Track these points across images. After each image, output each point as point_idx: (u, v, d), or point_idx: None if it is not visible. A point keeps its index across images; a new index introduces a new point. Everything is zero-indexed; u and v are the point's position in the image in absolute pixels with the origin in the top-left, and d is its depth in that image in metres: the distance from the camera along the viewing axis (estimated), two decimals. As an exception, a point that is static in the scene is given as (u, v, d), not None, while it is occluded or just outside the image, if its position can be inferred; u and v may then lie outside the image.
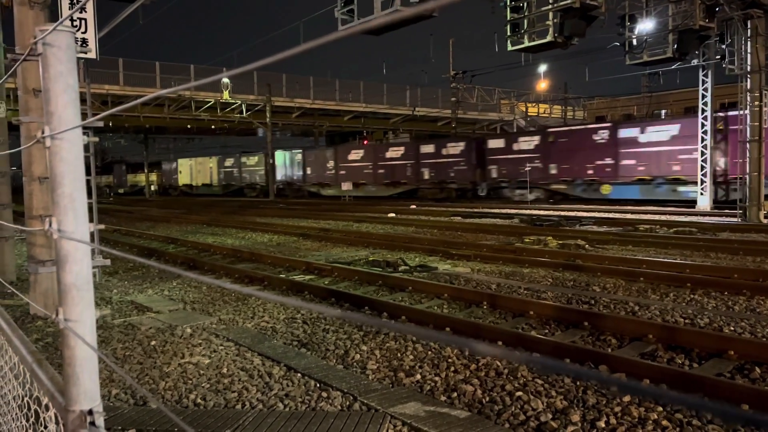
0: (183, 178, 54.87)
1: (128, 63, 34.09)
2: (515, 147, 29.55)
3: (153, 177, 59.60)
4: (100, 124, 8.39)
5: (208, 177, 51.08)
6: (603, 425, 3.81)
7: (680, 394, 0.57)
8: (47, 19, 7.32)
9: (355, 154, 38.51)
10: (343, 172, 38.77)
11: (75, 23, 7.65)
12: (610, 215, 19.18)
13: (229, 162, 48.82)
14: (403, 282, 8.44)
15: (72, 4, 7.49)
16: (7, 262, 9.54)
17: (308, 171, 41.78)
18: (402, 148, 36.00)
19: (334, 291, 8.01)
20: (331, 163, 39.67)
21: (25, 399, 1.58)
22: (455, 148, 32.32)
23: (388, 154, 36.35)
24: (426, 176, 33.79)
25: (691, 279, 8.12)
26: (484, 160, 30.85)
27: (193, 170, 53.51)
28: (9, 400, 1.90)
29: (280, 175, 43.31)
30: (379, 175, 36.79)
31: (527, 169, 28.26)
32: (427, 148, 34.05)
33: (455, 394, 4.38)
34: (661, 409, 3.98)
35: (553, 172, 27.80)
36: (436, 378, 4.71)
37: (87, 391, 1.04)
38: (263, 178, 43.94)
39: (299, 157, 42.44)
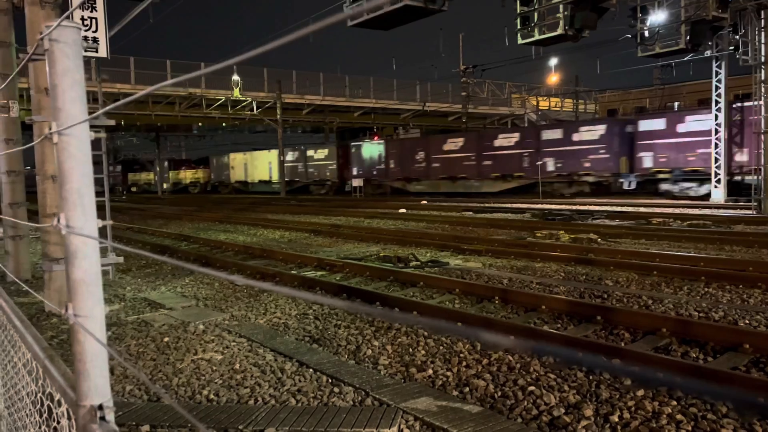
0: (236, 174, 49.82)
1: (139, 61, 34.32)
2: (681, 128, 23.03)
3: (200, 173, 55.72)
4: (112, 122, 8.43)
5: (266, 173, 46.26)
6: (616, 419, 3.78)
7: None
8: (58, 18, 7.37)
9: (453, 144, 32.58)
10: (436, 164, 33.31)
11: (86, 22, 7.70)
12: (623, 209, 19.04)
13: (291, 156, 44.02)
14: (415, 277, 8.43)
15: (83, 5, 7.54)
16: (22, 260, 9.64)
17: (391, 164, 36.11)
18: (516, 134, 30.14)
19: (346, 287, 8.02)
20: (421, 155, 34.24)
21: (38, 395, 1.60)
22: (592, 132, 26.18)
23: (498, 142, 30.20)
24: (550, 167, 27.62)
25: (706, 272, 8.04)
26: (631, 146, 24.85)
27: (248, 165, 48.48)
28: (23, 396, 1.91)
29: (354, 170, 38.30)
30: (484, 167, 30.73)
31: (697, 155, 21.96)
32: (552, 134, 28.05)
33: (467, 389, 4.37)
34: (675, 403, 3.95)
35: (743, 158, 21.28)
36: (448, 373, 4.70)
37: (97, 386, 1.04)
38: (335, 173, 40.07)
39: (380, 148, 36.93)
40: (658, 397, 4.05)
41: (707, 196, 21.76)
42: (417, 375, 4.69)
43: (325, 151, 41.41)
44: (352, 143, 39.60)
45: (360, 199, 33.67)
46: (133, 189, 64.32)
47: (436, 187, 33.38)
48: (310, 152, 42.60)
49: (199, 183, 55.97)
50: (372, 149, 37.65)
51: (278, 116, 39.03)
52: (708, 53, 20.54)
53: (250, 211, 25.21)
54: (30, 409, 1.78)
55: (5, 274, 9.05)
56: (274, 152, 44.31)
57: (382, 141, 37.93)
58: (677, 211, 17.84)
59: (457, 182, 32.17)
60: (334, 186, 40.68)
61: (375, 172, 37.31)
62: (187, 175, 57.90)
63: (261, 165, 46.82)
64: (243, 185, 49.32)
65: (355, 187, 37.72)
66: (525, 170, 28.71)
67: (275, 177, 44.58)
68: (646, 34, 19.71)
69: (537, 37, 17.57)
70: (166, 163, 60.23)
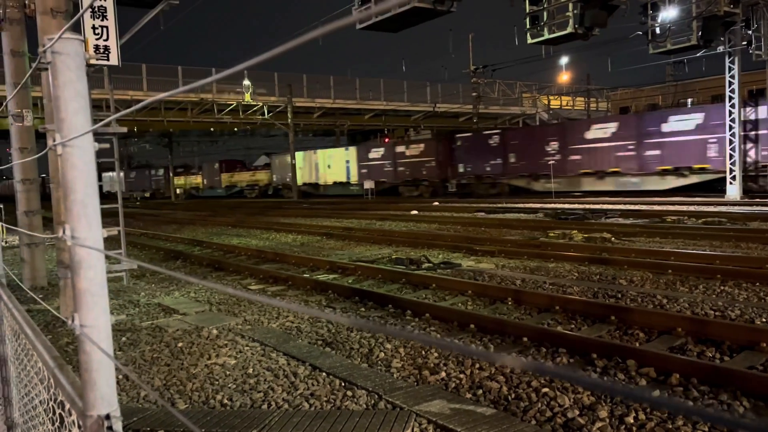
0: (303, 176, 44.19)
1: (151, 68, 34.55)
2: None
3: (259, 176, 49.99)
4: (123, 129, 8.50)
5: (343, 173, 40.71)
6: (632, 421, 3.75)
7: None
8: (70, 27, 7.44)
9: (601, 129, 26.04)
10: (575, 156, 26.92)
11: (97, 31, 7.77)
12: (637, 207, 18.89)
13: (377, 153, 38.07)
14: (427, 279, 8.41)
15: (93, 13, 7.61)
16: (38, 267, 9.74)
17: (511, 158, 29.84)
18: (699, 114, 22.68)
19: (358, 290, 8.02)
20: (553, 145, 27.89)
21: (50, 403, 1.61)
22: None
23: (669, 126, 23.32)
24: (754, 155, 21.22)
25: (721, 270, 7.96)
26: None
27: (319, 165, 43.04)
28: (36, 405, 1.93)
29: (461, 166, 32.51)
30: (648, 158, 24.09)
31: None
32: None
33: (480, 392, 4.35)
34: (691, 403, 3.90)
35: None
36: (461, 375, 4.68)
37: (104, 395, 1.05)
38: (434, 171, 34.00)
39: (495, 139, 30.86)
40: (675, 398, 4.01)
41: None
42: (430, 378, 4.67)
43: (420, 146, 35.16)
44: (458, 135, 33.67)
45: (371, 201, 33.51)
46: (180, 194, 58.89)
47: (574, 185, 27.32)
48: (400, 148, 36.58)
49: (258, 186, 50.00)
50: (485, 140, 31.50)
51: (289, 120, 39.15)
52: (720, 49, 20.35)
53: (263, 215, 25.30)
54: (43, 418, 1.79)
55: (21, 281, 9.16)
56: (353, 150, 39.90)
57: (498, 130, 32.07)
58: (692, 208, 17.66)
59: (606, 179, 25.98)
60: (432, 186, 34.44)
61: (488, 168, 31.00)
62: (243, 178, 52.08)
63: (336, 164, 41.25)
64: (312, 188, 43.79)
65: (462, 185, 31.95)
66: (711, 161, 22.04)
67: (354, 178, 39.23)
68: (658, 30, 19.57)
69: (546, 36, 17.50)
70: (216, 165, 55.00)
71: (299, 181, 43.24)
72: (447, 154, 33.49)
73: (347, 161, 40.27)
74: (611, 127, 25.88)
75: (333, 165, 41.83)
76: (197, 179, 58.09)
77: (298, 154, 43.73)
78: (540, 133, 29.40)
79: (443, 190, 33.56)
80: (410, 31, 15.60)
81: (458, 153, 32.85)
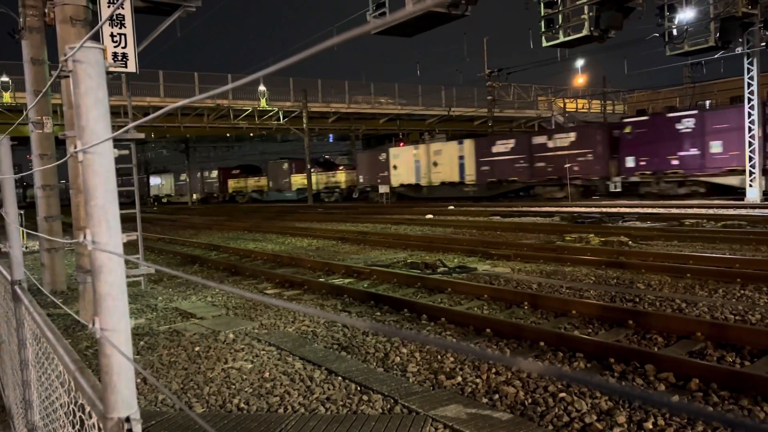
0: (399, 176, 37.68)
1: (168, 75, 34.96)
2: None
3: (341, 177, 43.76)
4: (141, 135, 8.62)
5: (455, 171, 33.88)
6: (651, 426, 3.71)
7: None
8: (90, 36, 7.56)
9: None
10: None
11: (115, 39, 7.88)
12: (654, 210, 18.71)
13: (504, 146, 31.22)
14: (442, 283, 8.40)
15: (111, 21, 7.71)
16: (58, 272, 9.87)
17: (714, 148, 22.50)
18: None
19: (373, 294, 8.02)
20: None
21: (71, 406, 1.63)
22: None
23: None
24: None
25: (741, 274, 7.85)
26: None
27: (422, 163, 36.13)
28: (57, 408, 1.95)
29: (631, 159, 25.36)
30: None
31: None
32: None
33: (497, 396, 4.33)
34: (711, 409, 3.86)
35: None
36: (477, 380, 4.66)
37: (124, 398, 1.06)
38: (590, 166, 26.93)
39: (688, 123, 23.31)
40: (694, 403, 3.96)
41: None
42: (446, 382, 4.66)
43: (569, 136, 28.17)
44: (627, 120, 26.77)
45: (387, 205, 33.34)
46: (239, 200, 52.90)
47: None
48: (539, 139, 29.71)
49: (339, 189, 43.46)
50: (670, 125, 24.02)
51: (305, 125, 39.35)
52: (739, 50, 20.12)
53: (278, 219, 25.42)
54: (63, 421, 1.81)
55: (42, 285, 9.28)
56: (470, 143, 33.20)
57: (694, 111, 24.12)
58: (711, 211, 17.45)
59: None
60: (587, 185, 27.50)
61: (676, 162, 23.98)
62: (319, 179, 45.43)
63: (445, 161, 34.40)
64: (413, 190, 37.04)
65: (631, 183, 25.51)
66: None
67: (471, 177, 32.83)
68: (675, 32, 19.40)
69: (562, 39, 17.43)
70: (285, 165, 48.46)
71: (394, 182, 37.81)
72: (608, 144, 26.59)
73: (461, 157, 33.38)
74: None
75: (441, 162, 34.90)
76: (261, 181, 51.30)
77: (394, 150, 38.56)
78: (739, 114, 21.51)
79: (603, 190, 26.65)
80: (425, 35, 15.61)
81: (626, 143, 25.63)
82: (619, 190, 25.71)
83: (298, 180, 46.93)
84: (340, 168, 45.22)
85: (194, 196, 58.45)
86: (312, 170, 44.24)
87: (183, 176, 60.48)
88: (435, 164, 35.25)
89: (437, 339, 0.67)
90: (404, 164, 37.43)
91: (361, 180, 40.89)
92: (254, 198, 51.79)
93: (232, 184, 55.27)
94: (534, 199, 26.29)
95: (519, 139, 31.32)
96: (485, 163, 32.21)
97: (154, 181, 67.61)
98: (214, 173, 57.53)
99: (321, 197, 44.71)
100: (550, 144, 28.96)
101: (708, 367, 4.51)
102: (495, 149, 31.69)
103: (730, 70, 29.53)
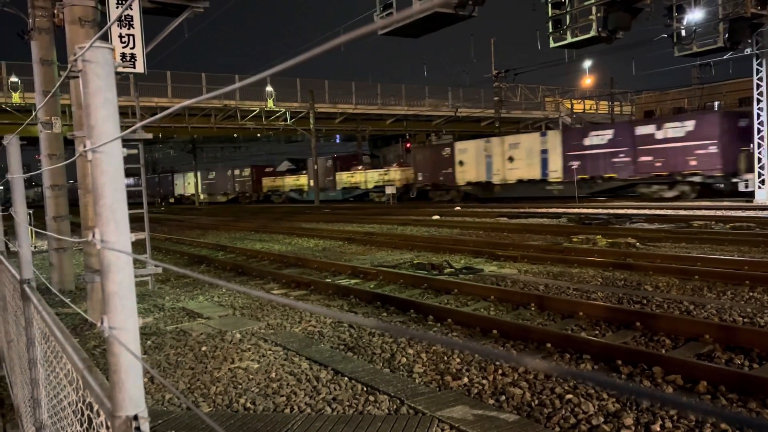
0: (466, 173, 33.12)
1: (176, 75, 35.12)
2: None
3: (395, 174, 39.06)
4: (149, 135, 8.65)
5: (536, 167, 29.51)
6: (658, 429, 3.69)
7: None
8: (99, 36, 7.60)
9: None
10: None
11: (123, 39, 7.91)
12: (662, 212, 18.63)
13: (599, 138, 26.71)
14: (449, 284, 8.38)
15: (120, 22, 7.75)
16: (66, 272, 9.92)
17: None
18: None
19: (380, 294, 8.02)
20: None
21: (79, 405, 1.63)
22: None
23: None
24: None
25: (750, 276, 7.80)
26: None
27: (494, 158, 31.64)
28: (65, 406, 1.96)
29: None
30: None
31: None
32: None
33: (503, 397, 4.32)
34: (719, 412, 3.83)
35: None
36: (484, 381, 4.65)
37: (132, 397, 1.07)
38: (712, 160, 22.57)
39: None
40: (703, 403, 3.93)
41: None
42: (452, 383, 4.66)
43: (686, 125, 23.66)
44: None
45: (393, 206, 33.21)
46: (275, 199, 48.63)
47: None
48: (644, 128, 25.21)
49: (392, 186, 37.85)
50: None
51: (311, 126, 39.41)
52: (748, 51, 20.01)
53: (285, 220, 25.47)
54: (71, 419, 1.82)
55: (50, 285, 9.33)
56: (555, 135, 29.15)
57: None
58: (719, 213, 17.36)
59: None
60: (708, 183, 23.29)
61: None
62: (369, 178, 40.71)
63: (524, 155, 30.13)
64: (482, 189, 32.39)
65: None
66: None
67: (556, 174, 28.59)
68: (683, 33, 19.31)
69: (569, 39, 17.38)
70: (329, 162, 44.52)
71: (460, 181, 33.45)
72: (733, 134, 22.53)
73: (543, 151, 29.10)
74: None
75: (518, 157, 30.33)
76: (300, 180, 46.82)
77: (461, 144, 33.96)
78: None
79: (728, 188, 22.51)
80: (432, 36, 15.61)
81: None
82: (751, 189, 21.40)
83: (343, 178, 42.92)
84: (394, 165, 40.57)
85: (219, 196, 56.02)
86: (359, 168, 41.61)
87: (212, 174, 58.13)
88: (511, 159, 30.64)
89: (444, 338, 0.67)
90: (472, 160, 32.71)
91: (420, 178, 36.22)
92: (292, 198, 47.67)
93: (267, 182, 50.75)
94: (637, 198, 23.39)
95: (619, 129, 26.65)
96: (575, 158, 27.56)
97: (180, 179, 63.45)
98: (247, 171, 53.34)
99: (369, 196, 40.40)
100: (659, 134, 24.36)
101: (716, 370, 4.48)
102: (588, 141, 27.00)
103: (739, 71, 29.35)
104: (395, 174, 39.32)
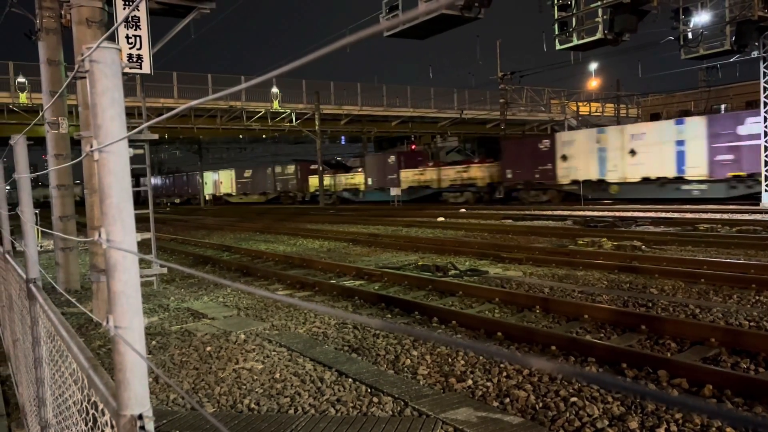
0: (571, 169, 27.87)
1: (182, 76, 35.20)
2: None
3: (479, 171, 33.44)
4: (155, 136, 8.69)
5: (670, 162, 24.11)
6: (663, 432, 3.67)
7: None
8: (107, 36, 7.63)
9: None
10: None
11: (130, 40, 7.94)
12: (668, 215, 18.56)
13: (757, 126, 20.75)
14: (453, 286, 8.38)
15: (127, 22, 7.78)
16: (72, 272, 9.96)
17: None
18: None
19: (384, 296, 8.02)
20: None
21: (84, 404, 1.64)
22: None
23: None
24: None
25: (756, 280, 7.76)
26: None
27: (608, 152, 26.39)
28: (70, 405, 1.97)
29: None
30: None
31: None
32: None
33: (508, 400, 4.31)
34: (722, 418, 3.81)
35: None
36: (488, 383, 4.64)
37: (137, 396, 1.07)
38: None
39: None
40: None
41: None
42: (456, 385, 4.65)
43: None
44: None
45: (398, 208, 33.21)
46: (324, 201, 42.94)
47: None
48: None
49: (475, 187, 33.27)
50: None
51: (317, 127, 39.44)
52: (755, 54, 19.93)
53: (290, 221, 25.50)
54: (76, 418, 1.82)
55: (56, 284, 9.36)
56: (698, 123, 23.31)
57: None
58: (725, 216, 17.28)
59: None
60: None
61: None
62: (445, 176, 35.45)
63: (652, 148, 24.66)
64: (592, 188, 26.87)
65: None
66: None
67: (699, 170, 23.11)
68: (690, 36, 19.25)
69: (576, 42, 17.35)
70: (392, 159, 39.53)
71: (562, 178, 28.28)
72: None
73: (679, 142, 23.64)
74: None
75: (642, 150, 24.95)
76: (356, 178, 42.38)
77: (565, 135, 29.32)
78: None
79: None
80: (438, 37, 15.61)
81: None
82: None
83: (409, 176, 37.85)
84: (476, 160, 35.68)
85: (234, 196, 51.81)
86: (429, 164, 37.06)
87: (247, 172, 53.22)
88: (633, 153, 25.27)
89: (449, 338, 0.67)
90: (580, 153, 27.32)
91: (509, 175, 30.95)
92: (345, 198, 42.89)
93: (315, 181, 44.60)
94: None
95: None
96: (725, 150, 22.28)
97: (211, 177, 58.76)
98: (290, 168, 48.26)
99: (442, 197, 35.33)
100: None
101: (722, 374, 4.46)
102: (743, 130, 21.47)
103: (746, 74, 29.23)
104: (476, 171, 33.62)
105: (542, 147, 29.51)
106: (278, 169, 49.76)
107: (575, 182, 27.61)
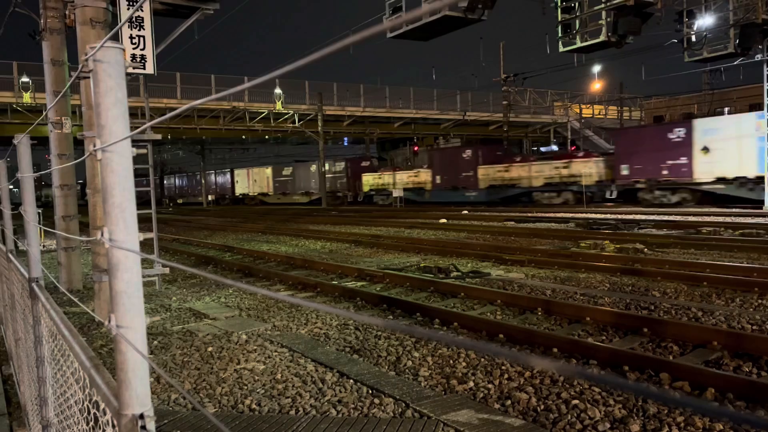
0: (715, 164, 22.55)
1: (185, 77, 35.27)
2: None
3: (580, 167, 28.11)
4: (158, 136, 8.70)
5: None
6: (665, 436, 3.66)
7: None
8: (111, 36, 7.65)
9: None
10: None
11: (134, 41, 7.96)
12: (671, 218, 18.53)
13: None
14: (455, 288, 8.37)
15: (131, 23, 7.79)
16: (74, 271, 9.97)
17: None
18: None
19: (386, 297, 8.02)
20: None
21: (85, 403, 1.64)
22: None
23: None
24: None
25: (759, 283, 7.74)
26: None
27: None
28: (71, 404, 1.97)
29: None
30: None
31: None
32: None
33: (509, 402, 4.31)
34: (727, 418, 3.80)
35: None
36: (490, 385, 4.64)
37: (138, 395, 1.07)
38: None
39: None
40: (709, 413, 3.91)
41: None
42: (458, 387, 4.64)
43: None
44: None
45: (400, 209, 33.22)
46: (379, 201, 39.36)
47: None
48: None
49: (577, 185, 28.03)
50: None
51: (320, 128, 39.46)
52: (759, 57, 19.90)
53: (292, 222, 25.51)
54: (78, 417, 1.83)
55: (58, 284, 9.37)
56: None
57: None
58: (728, 219, 17.24)
59: None
60: None
61: None
62: (536, 172, 30.26)
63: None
64: (744, 188, 21.95)
65: None
66: None
67: None
68: (693, 38, 19.23)
69: (579, 44, 17.34)
70: (467, 153, 34.05)
71: (702, 175, 23.21)
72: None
73: None
74: None
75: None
76: (420, 176, 37.11)
77: (706, 122, 23.45)
78: None
79: None
80: (441, 39, 15.61)
81: None
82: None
83: (490, 173, 32.43)
84: (580, 155, 29.81)
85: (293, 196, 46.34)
86: (518, 160, 31.60)
87: (287, 170, 48.49)
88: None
89: (451, 338, 0.67)
90: (730, 145, 22.27)
91: (624, 172, 25.77)
92: (407, 199, 36.81)
93: (368, 180, 40.57)
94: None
95: None
96: None
97: (243, 176, 54.48)
98: (339, 165, 43.79)
99: (533, 198, 30.58)
100: None
101: (724, 377, 4.45)
102: None
103: (749, 77, 29.17)
104: (581, 166, 28.03)
105: (673, 138, 23.98)
106: (325, 167, 43.31)
107: (722, 180, 22.53)
